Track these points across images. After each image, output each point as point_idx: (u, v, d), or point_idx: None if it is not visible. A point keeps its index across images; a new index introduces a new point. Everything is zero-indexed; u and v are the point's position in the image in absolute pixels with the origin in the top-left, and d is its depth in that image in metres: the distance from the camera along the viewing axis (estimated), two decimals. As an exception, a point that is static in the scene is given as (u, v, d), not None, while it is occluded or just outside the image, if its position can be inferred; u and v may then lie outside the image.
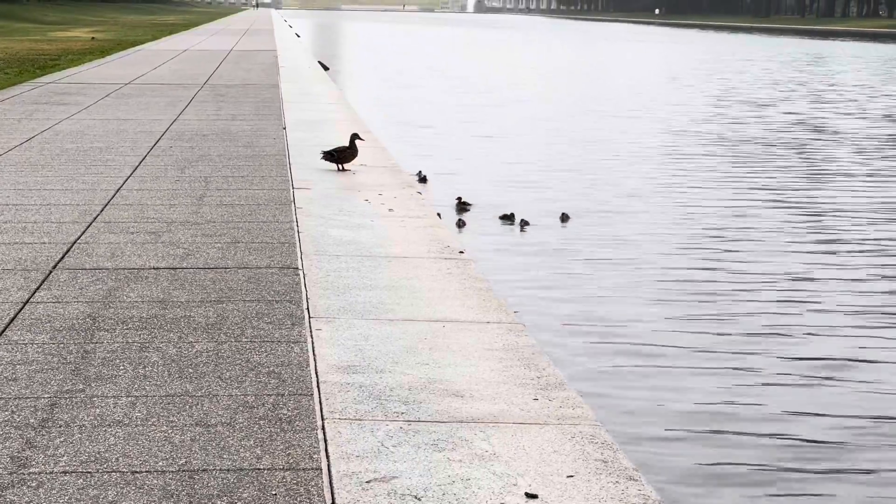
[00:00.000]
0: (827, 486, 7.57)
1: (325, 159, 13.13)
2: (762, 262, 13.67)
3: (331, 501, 4.52)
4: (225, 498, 4.50)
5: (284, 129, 16.84)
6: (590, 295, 11.95)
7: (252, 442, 5.01)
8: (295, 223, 9.85)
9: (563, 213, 16.16)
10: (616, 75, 53.35)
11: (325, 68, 38.56)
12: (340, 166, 13.12)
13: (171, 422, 5.22)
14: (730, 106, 35.67)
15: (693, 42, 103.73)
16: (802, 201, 18.31)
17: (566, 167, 21.38)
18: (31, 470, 4.70)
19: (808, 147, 25.67)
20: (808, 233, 15.66)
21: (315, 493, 4.57)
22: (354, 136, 13.24)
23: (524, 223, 15.48)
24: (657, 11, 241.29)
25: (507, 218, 15.70)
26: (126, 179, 11.99)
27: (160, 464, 4.77)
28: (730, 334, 10.68)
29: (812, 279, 12.95)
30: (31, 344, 6.32)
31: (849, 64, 65.74)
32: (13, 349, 6.24)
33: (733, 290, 12.29)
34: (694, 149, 24.82)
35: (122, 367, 5.96)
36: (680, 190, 19.05)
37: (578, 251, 14.03)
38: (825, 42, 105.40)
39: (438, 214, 14.76)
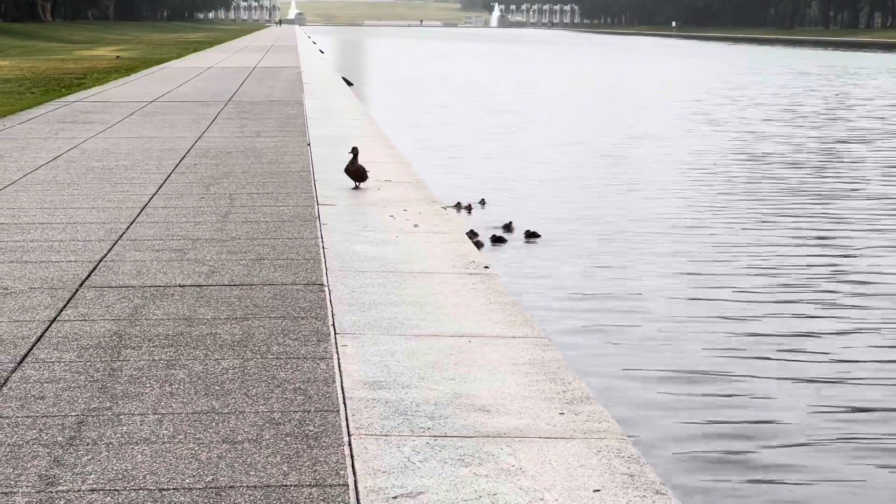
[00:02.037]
0: None
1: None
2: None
3: (358, 518, 4.53)
4: (252, 515, 4.50)
5: (309, 145, 16.88)
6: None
7: (279, 458, 5.02)
8: (320, 239, 9.87)
9: (507, 223, 15.39)
10: (663, 90, 52.04)
11: (350, 84, 38.67)
12: (357, 184, 13.06)
13: (198, 439, 5.24)
14: (796, 124, 33.59)
15: (732, 55, 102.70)
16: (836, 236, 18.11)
17: (601, 183, 21.10)
18: (60, 488, 4.72)
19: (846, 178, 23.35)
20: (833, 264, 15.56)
21: (342, 509, 4.57)
22: (354, 151, 12.99)
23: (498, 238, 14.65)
24: (674, 24, 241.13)
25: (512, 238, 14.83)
26: (151, 197, 12.04)
27: (187, 481, 4.78)
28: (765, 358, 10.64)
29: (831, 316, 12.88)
30: (59, 362, 6.35)
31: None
32: (41, 367, 6.26)
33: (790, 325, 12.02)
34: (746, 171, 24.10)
35: (148, 385, 5.98)
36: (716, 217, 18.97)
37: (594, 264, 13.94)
38: (867, 54, 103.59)
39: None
